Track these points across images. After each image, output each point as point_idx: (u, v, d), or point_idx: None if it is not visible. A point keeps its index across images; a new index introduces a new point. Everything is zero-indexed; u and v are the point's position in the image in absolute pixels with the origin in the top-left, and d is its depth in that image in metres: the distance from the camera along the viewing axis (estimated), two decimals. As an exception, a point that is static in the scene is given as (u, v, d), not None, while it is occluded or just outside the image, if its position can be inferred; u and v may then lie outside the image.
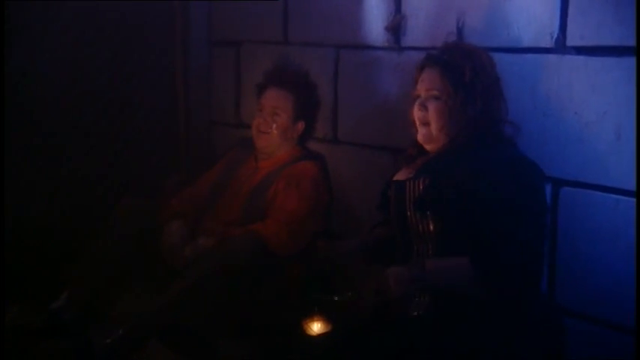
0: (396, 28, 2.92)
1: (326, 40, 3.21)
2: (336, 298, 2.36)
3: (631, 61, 2.19)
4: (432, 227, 2.20)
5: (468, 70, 2.22)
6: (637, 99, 2.16)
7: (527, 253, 2.06)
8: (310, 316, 2.61)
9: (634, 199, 2.21)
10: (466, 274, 2.07)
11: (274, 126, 2.94)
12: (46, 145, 3.42)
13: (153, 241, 2.83)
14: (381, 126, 3.03)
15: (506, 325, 2.09)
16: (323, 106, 3.09)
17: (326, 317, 2.60)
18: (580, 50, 2.34)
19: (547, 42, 2.41)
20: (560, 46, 2.38)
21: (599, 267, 2.32)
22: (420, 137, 2.32)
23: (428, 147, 2.33)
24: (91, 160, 3.56)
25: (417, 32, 2.84)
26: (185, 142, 3.83)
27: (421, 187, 2.23)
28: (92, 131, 3.57)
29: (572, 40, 2.35)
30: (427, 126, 2.29)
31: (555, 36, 2.39)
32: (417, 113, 2.31)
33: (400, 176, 2.35)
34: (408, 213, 2.25)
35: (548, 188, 2.41)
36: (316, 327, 2.60)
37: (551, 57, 2.40)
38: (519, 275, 2.06)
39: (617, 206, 2.26)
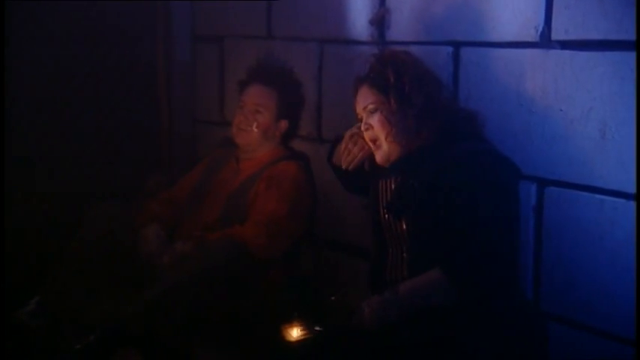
0: (380, 21, 2.86)
1: (310, 34, 3.14)
2: (320, 300, 2.31)
3: (615, 56, 2.14)
4: (404, 227, 2.19)
5: (390, 73, 2.19)
6: (637, 98, 2.09)
7: (492, 251, 2.05)
8: (290, 321, 2.56)
9: (618, 200, 2.17)
10: (439, 286, 2.08)
11: (255, 124, 2.86)
12: (23, 145, 3.38)
13: (128, 244, 2.76)
14: (366, 124, 2.95)
15: (488, 331, 2.06)
16: (307, 103, 3.02)
17: (307, 322, 2.56)
18: (565, 45, 2.28)
19: (532, 36, 2.35)
20: (546, 41, 2.32)
21: (584, 268, 2.27)
22: (377, 159, 2.28)
23: (388, 164, 2.27)
24: (72, 159, 3.51)
25: (402, 26, 2.78)
26: (168, 141, 3.78)
27: (392, 187, 2.22)
28: (73, 130, 3.53)
29: (557, 35, 2.29)
30: (377, 143, 2.25)
31: (540, 30, 2.32)
32: (365, 135, 2.29)
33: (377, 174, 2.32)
34: (382, 214, 2.24)
35: (533, 188, 2.37)
36: (296, 332, 2.55)
37: (536, 52, 2.34)
38: (488, 274, 2.05)
39: (601, 206, 2.21)
